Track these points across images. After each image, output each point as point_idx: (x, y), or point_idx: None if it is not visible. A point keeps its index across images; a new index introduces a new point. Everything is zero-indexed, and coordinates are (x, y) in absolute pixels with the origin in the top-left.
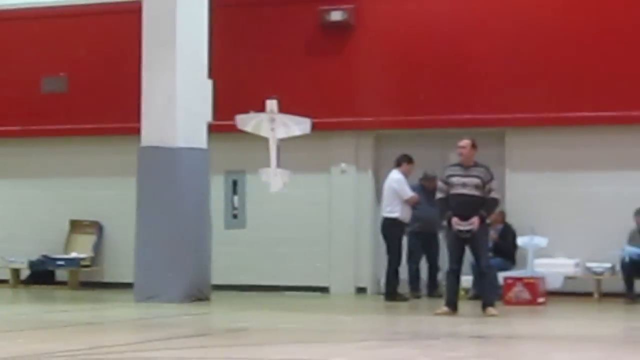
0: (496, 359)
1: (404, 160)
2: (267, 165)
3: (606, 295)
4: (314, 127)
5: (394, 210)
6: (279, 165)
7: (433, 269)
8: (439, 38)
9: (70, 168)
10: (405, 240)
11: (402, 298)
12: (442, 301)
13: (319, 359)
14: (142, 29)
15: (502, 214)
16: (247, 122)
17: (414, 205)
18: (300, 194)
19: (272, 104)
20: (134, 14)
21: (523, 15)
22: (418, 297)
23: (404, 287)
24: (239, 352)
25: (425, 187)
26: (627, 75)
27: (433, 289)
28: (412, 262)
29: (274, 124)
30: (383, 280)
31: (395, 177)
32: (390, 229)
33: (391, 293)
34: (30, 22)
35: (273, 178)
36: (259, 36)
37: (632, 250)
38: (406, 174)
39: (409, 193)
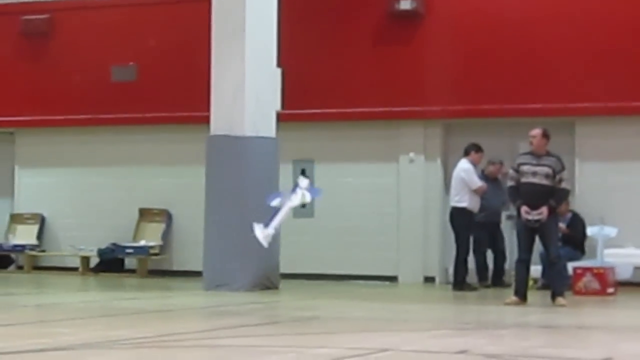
0: (565, 348)
1: (472, 149)
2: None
3: None
4: (383, 116)
5: (463, 199)
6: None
7: (499, 258)
8: (508, 26)
9: (139, 156)
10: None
11: (471, 288)
12: (511, 291)
13: (388, 347)
14: (211, 18)
15: (567, 204)
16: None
17: (482, 195)
18: (369, 183)
19: (303, 183)
20: (204, 2)
21: (591, 4)
22: (486, 286)
23: (472, 277)
24: (308, 340)
25: (488, 176)
26: None
27: (500, 279)
28: (479, 252)
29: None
30: (451, 270)
31: (463, 167)
32: (459, 218)
33: (459, 282)
34: (100, 12)
35: (260, 232)
36: (328, 24)
37: None
38: (475, 163)
39: (478, 183)
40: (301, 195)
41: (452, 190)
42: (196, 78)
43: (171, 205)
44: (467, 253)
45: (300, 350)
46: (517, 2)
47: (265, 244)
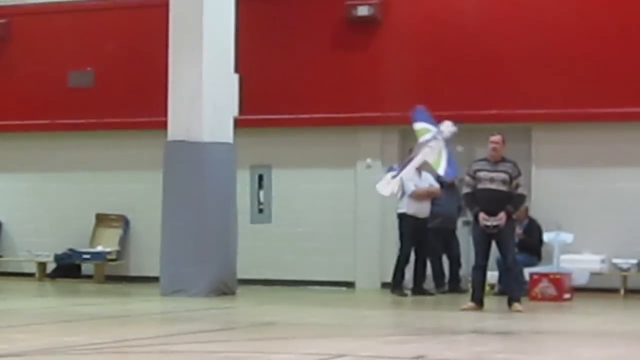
0: (522, 354)
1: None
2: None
3: (632, 292)
4: (340, 122)
5: (402, 205)
6: (401, 175)
7: (455, 264)
8: (464, 33)
9: (96, 162)
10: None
11: (403, 294)
12: (467, 296)
13: (345, 353)
14: (169, 23)
15: (526, 209)
16: (421, 126)
17: (423, 199)
18: (326, 189)
19: (448, 126)
20: (161, 8)
21: (549, 10)
22: (443, 292)
23: (429, 283)
24: (265, 346)
25: (444, 182)
26: None
27: (456, 285)
28: (435, 258)
29: (435, 144)
30: (408, 276)
31: None
32: (399, 223)
33: (395, 287)
34: (57, 17)
35: (388, 182)
36: (286, 30)
37: None
38: (418, 169)
39: (411, 188)
40: (438, 151)
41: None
42: (153, 84)
43: (128, 211)
44: (405, 258)
45: (257, 356)
46: (473, 10)
47: (386, 193)
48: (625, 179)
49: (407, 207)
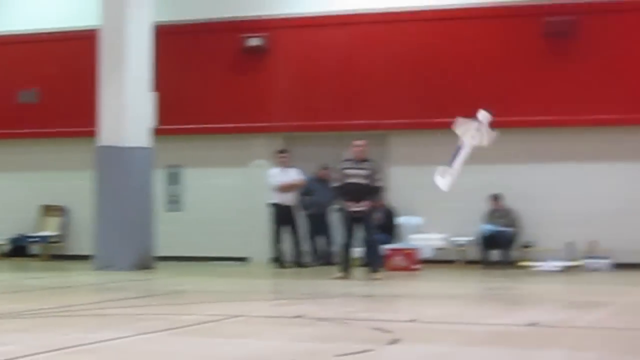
0: (381, 312)
1: (276, 155)
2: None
3: (468, 263)
4: (236, 130)
5: (270, 197)
6: (454, 167)
7: (328, 243)
8: (335, 60)
9: (40, 163)
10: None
11: (284, 265)
12: (338, 268)
13: (240, 314)
14: (99, 51)
15: (382, 199)
16: (461, 126)
17: (286, 191)
18: (226, 184)
19: (485, 116)
20: (93, 39)
21: (401, 42)
22: (319, 265)
23: (306, 256)
24: (177, 309)
25: (320, 178)
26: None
27: (328, 258)
28: (312, 237)
29: (477, 133)
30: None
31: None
32: (270, 211)
33: (275, 260)
34: (9, 46)
35: (444, 177)
36: (195, 57)
37: (487, 227)
38: (281, 166)
39: (272, 183)
40: (480, 135)
41: None
42: (87, 100)
43: (68, 202)
44: (277, 239)
45: (171, 317)
46: (341, 41)
47: (446, 188)
48: (462, 174)
49: (276, 198)
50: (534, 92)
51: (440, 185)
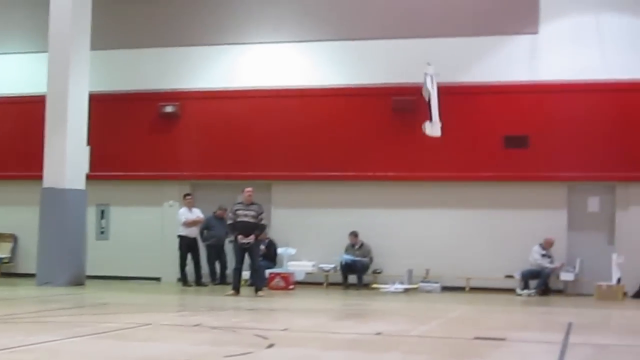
0: (262, 323)
1: (184, 197)
2: None
3: (331, 285)
4: (153, 177)
5: (179, 230)
6: (439, 115)
7: (223, 267)
8: (232, 124)
9: None
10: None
11: (188, 284)
12: (230, 287)
13: (151, 322)
14: (45, 112)
15: (265, 233)
16: (424, 87)
17: (191, 226)
18: (144, 219)
19: (429, 69)
20: (41, 102)
21: (283, 113)
22: (215, 284)
23: (206, 278)
24: (100, 318)
25: (218, 216)
26: (338, 151)
27: (223, 279)
28: (210, 262)
29: (433, 84)
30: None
31: (178, 210)
32: (179, 241)
33: (182, 280)
34: None
35: (434, 126)
36: (121, 119)
37: (346, 257)
38: (187, 206)
39: (180, 220)
40: (430, 80)
41: None
42: (36, 150)
43: (17, 230)
44: (183, 263)
45: (96, 324)
46: (237, 109)
47: (439, 134)
48: (327, 216)
49: (183, 231)
50: (383, 153)
51: (433, 134)
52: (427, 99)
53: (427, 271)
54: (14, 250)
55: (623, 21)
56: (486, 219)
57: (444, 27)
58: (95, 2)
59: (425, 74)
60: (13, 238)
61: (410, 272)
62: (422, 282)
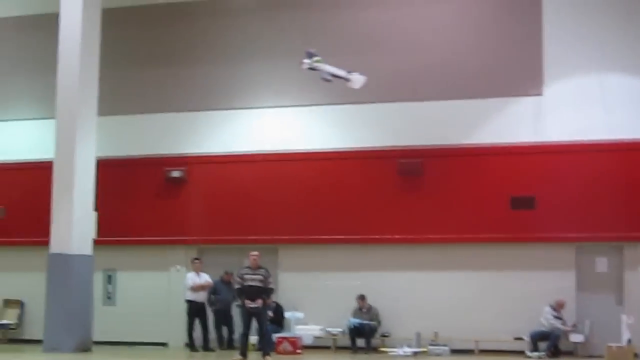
0: None
1: (192, 261)
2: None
3: (339, 348)
4: (160, 242)
5: (187, 295)
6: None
7: (230, 332)
8: (238, 188)
9: (4, 265)
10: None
11: (196, 350)
12: (237, 352)
13: None
14: (53, 178)
15: (271, 298)
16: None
17: (198, 291)
18: (151, 284)
19: (307, 63)
20: (48, 169)
21: (288, 176)
22: (223, 349)
23: (213, 343)
24: None
25: (224, 280)
26: (344, 214)
27: (231, 344)
28: (218, 328)
29: (319, 65)
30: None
31: (186, 274)
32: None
33: (189, 345)
34: None
35: (352, 79)
36: (127, 185)
37: (354, 320)
38: (195, 270)
39: (188, 284)
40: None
41: None
42: (43, 216)
43: (24, 297)
44: (190, 328)
45: None
46: (243, 173)
47: (362, 79)
48: (335, 279)
49: (190, 296)
50: (390, 215)
51: (357, 85)
52: (329, 77)
53: (436, 334)
54: (20, 317)
55: (626, 81)
56: (494, 280)
57: (449, 90)
58: (102, 69)
59: (311, 69)
60: (20, 304)
61: (418, 335)
62: (431, 345)
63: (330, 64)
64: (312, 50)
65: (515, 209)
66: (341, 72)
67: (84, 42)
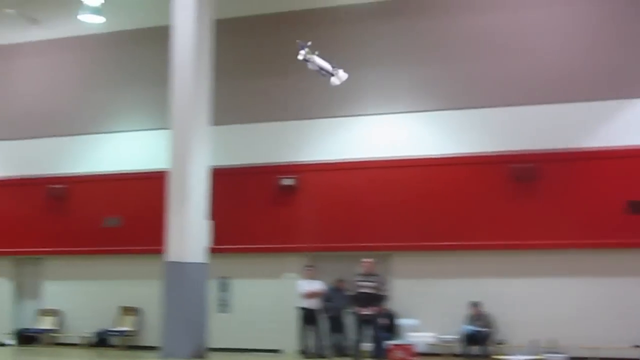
0: None
1: (304, 269)
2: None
3: (454, 356)
4: (273, 250)
5: (300, 302)
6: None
7: (343, 339)
8: (350, 195)
9: (121, 273)
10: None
11: (309, 356)
12: (350, 359)
13: None
14: (168, 187)
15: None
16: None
17: (311, 297)
18: (264, 291)
19: (302, 54)
20: (163, 178)
21: (401, 183)
22: (337, 356)
23: (327, 350)
24: None
25: (337, 287)
26: (458, 220)
27: (343, 351)
28: (331, 334)
29: (311, 57)
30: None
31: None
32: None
33: (303, 352)
34: (98, 183)
35: (336, 75)
36: (241, 193)
37: (468, 327)
38: (307, 277)
39: (301, 292)
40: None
41: None
42: (158, 224)
43: (141, 304)
44: (303, 334)
45: None
46: (355, 180)
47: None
48: (448, 285)
49: (304, 303)
50: (505, 222)
51: (338, 82)
52: (318, 69)
53: (553, 341)
54: (138, 324)
55: None
56: (612, 286)
57: (562, 92)
58: (215, 79)
59: (305, 60)
60: (137, 311)
61: (534, 342)
62: (548, 352)
63: (440, 69)
64: (303, 43)
65: (633, 213)
66: (328, 66)
67: (197, 54)
